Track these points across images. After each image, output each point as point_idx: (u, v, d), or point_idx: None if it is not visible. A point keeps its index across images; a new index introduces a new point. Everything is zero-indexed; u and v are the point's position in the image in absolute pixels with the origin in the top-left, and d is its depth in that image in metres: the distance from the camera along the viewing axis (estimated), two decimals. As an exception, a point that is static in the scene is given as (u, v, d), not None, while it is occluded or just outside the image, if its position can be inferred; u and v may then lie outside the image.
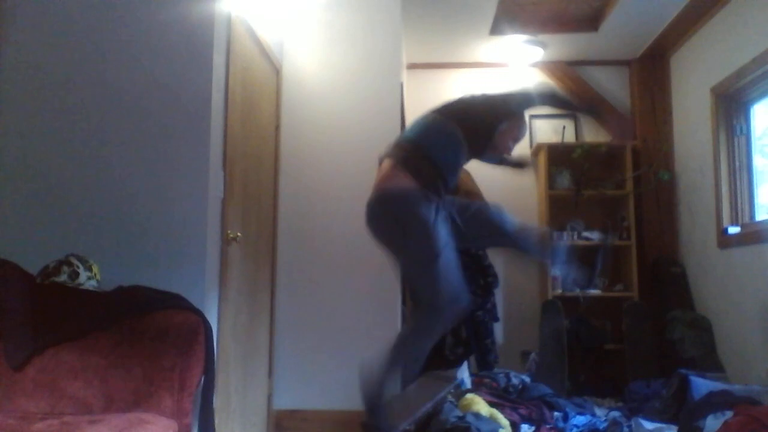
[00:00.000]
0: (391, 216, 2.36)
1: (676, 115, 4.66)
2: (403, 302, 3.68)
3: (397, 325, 3.43)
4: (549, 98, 2.63)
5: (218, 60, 2.52)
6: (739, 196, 3.86)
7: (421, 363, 2.58)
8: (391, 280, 3.40)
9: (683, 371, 3.38)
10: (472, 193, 3.74)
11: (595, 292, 4.58)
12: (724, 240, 3.88)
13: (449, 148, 2.40)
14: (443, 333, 2.63)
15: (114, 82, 2.47)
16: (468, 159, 2.53)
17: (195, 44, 2.47)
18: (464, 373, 3.55)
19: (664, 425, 3.04)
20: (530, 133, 4.92)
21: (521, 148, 4.85)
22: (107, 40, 2.49)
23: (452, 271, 2.35)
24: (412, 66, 4.96)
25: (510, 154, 2.70)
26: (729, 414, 2.59)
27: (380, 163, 2.50)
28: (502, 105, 2.55)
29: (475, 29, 4.39)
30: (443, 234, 2.34)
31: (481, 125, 2.46)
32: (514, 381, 3.65)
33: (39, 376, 2.01)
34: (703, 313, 4.18)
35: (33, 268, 2.19)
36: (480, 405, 3.06)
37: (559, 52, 4.79)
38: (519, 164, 3.18)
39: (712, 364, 3.88)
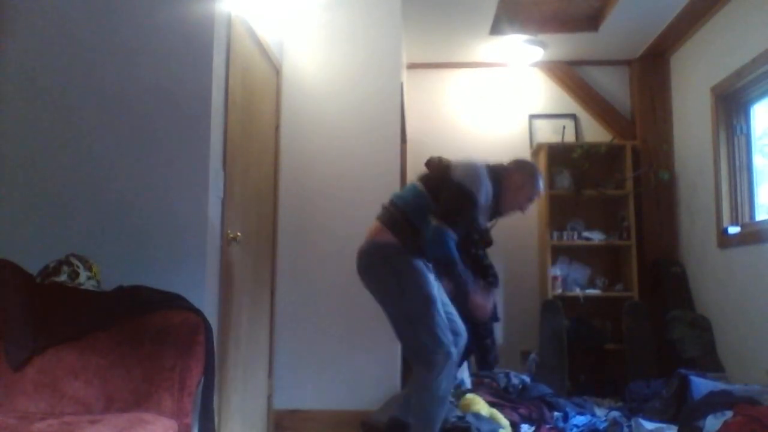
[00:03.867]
0: (382, 263, 2.45)
1: (676, 115, 4.67)
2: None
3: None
4: (443, 259, 2.41)
5: (218, 60, 2.52)
6: (739, 196, 3.86)
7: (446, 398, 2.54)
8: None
9: (683, 371, 3.38)
10: None
11: (595, 292, 4.59)
12: (724, 240, 3.88)
13: (427, 218, 2.40)
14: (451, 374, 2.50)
15: (114, 82, 2.47)
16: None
17: (195, 44, 2.46)
18: (464, 373, 3.55)
19: (664, 425, 3.04)
20: (530, 133, 4.92)
21: (523, 146, 4.89)
22: (107, 40, 2.49)
23: (443, 322, 2.42)
24: (412, 66, 4.96)
25: (524, 212, 2.69)
26: (729, 414, 2.59)
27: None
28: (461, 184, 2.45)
29: (475, 29, 4.39)
30: (432, 283, 2.44)
31: (455, 211, 2.43)
32: (514, 381, 3.66)
33: (39, 376, 2.01)
34: (703, 313, 4.18)
35: (33, 268, 2.19)
36: (480, 405, 3.06)
37: (559, 52, 4.79)
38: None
39: (712, 364, 3.88)
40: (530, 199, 2.63)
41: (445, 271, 2.47)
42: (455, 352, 2.41)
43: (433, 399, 2.37)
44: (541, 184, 2.65)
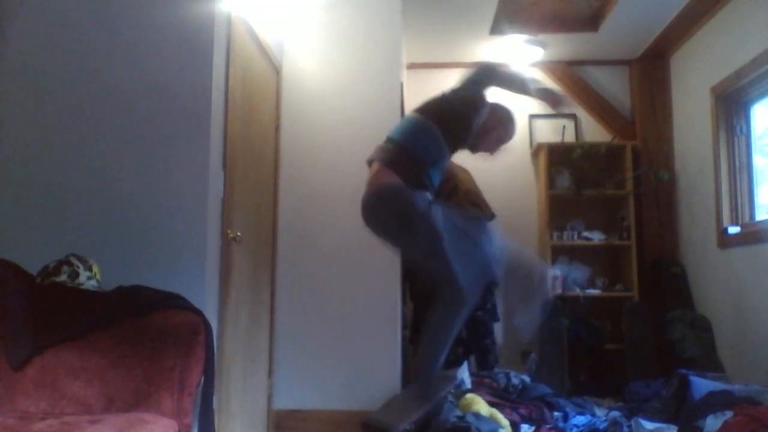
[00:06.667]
0: (387, 209, 2.44)
1: (676, 115, 4.67)
2: (404, 302, 3.68)
3: (398, 325, 3.43)
4: (493, 77, 2.61)
5: (218, 60, 2.52)
6: (739, 196, 3.86)
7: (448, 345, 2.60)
8: (391, 280, 3.41)
9: (683, 371, 3.37)
10: (471, 192, 3.73)
11: (595, 292, 4.59)
12: (724, 240, 3.88)
13: (430, 144, 2.45)
14: (473, 307, 2.62)
15: (114, 83, 2.47)
16: (452, 152, 2.57)
17: (195, 44, 2.46)
18: (464, 373, 3.55)
19: (664, 425, 3.04)
20: (530, 133, 4.92)
21: (523, 146, 4.89)
22: (107, 40, 2.49)
23: (462, 249, 2.42)
24: (412, 66, 4.96)
25: (494, 155, 2.72)
26: (729, 414, 2.59)
27: (369, 165, 2.60)
28: (464, 92, 2.56)
29: (475, 29, 4.39)
30: (439, 219, 2.42)
31: (457, 118, 2.47)
32: (514, 381, 3.65)
33: (39, 376, 2.00)
34: (703, 313, 4.18)
35: (33, 268, 2.19)
36: (480, 405, 3.06)
37: (559, 52, 4.79)
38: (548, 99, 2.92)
39: (712, 364, 3.89)
40: (500, 141, 2.67)
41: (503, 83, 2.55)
42: (473, 287, 2.45)
43: (441, 328, 2.43)
44: (513, 130, 2.72)
